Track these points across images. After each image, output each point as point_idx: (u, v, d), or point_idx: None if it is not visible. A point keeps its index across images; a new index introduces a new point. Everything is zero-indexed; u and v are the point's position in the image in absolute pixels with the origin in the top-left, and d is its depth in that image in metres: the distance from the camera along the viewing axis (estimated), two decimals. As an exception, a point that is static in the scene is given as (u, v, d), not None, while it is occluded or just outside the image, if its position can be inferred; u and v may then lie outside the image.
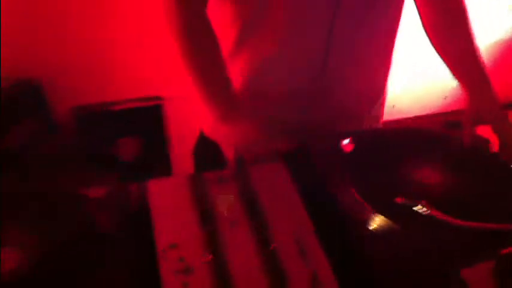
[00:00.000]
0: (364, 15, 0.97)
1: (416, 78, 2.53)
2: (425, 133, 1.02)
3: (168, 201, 0.78)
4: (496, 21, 2.51)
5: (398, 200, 0.78)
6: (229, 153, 0.95)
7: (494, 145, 0.96)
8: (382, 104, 1.20)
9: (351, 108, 1.10)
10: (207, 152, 1.14)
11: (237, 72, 1.01)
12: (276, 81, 1.02)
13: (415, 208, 0.76)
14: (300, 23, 0.95)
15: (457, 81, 1.08)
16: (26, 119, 1.79)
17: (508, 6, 2.48)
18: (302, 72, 1.01)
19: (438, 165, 0.88)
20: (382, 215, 0.75)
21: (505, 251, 0.64)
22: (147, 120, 2.09)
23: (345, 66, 1.02)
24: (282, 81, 1.02)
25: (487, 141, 0.96)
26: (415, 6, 1.10)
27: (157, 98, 2.08)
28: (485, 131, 0.98)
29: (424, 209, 0.76)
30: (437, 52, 1.11)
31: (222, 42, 0.97)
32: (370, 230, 0.75)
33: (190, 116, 1.17)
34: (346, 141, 0.92)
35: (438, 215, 0.74)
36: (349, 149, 0.91)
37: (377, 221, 0.75)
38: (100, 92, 2.02)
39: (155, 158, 2.13)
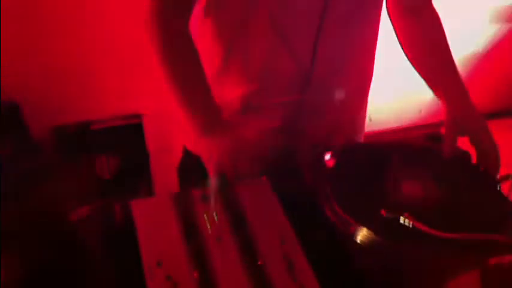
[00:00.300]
0: (347, 28, 0.99)
1: (391, 92, 2.56)
2: (406, 146, 1.03)
3: (152, 220, 0.78)
4: (474, 33, 2.57)
5: (383, 213, 0.78)
6: (210, 167, 0.95)
7: (473, 156, 0.98)
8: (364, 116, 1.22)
9: (337, 118, 1.11)
10: (191, 167, 1.13)
11: (225, 86, 1.02)
12: (262, 94, 1.03)
13: (399, 220, 0.77)
14: (285, 35, 0.96)
15: (433, 93, 1.10)
16: (4, 139, 1.76)
17: (487, 18, 2.54)
18: (289, 82, 1.02)
19: (420, 178, 0.89)
20: (365, 227, 0.76)
21: (492, 260, 0.65)
22: (127, 138, 2.08)
23: (329, 76, 1.03)
24: (269, 93, 1.03)
25: (466, 153, 0.97)
26: (390, 21, 1.12)
27: (137, 116, 2.07)
28: (464, 143, 0.99)
29: (407, 221, 0.77)
30: (413, 66, 1.12)
31: (208, 58, 0.97)
32: (357, 243, 0.75)
33: (170, 132, 1.16)
34: (328, 157, 0.93)
35: (421, 227, 0.75)
36: (331, 163, 0.92)
37: (363, 234, 0.76)
38: (79, 111, 2.00)
39: (136, 175, 2.11)
